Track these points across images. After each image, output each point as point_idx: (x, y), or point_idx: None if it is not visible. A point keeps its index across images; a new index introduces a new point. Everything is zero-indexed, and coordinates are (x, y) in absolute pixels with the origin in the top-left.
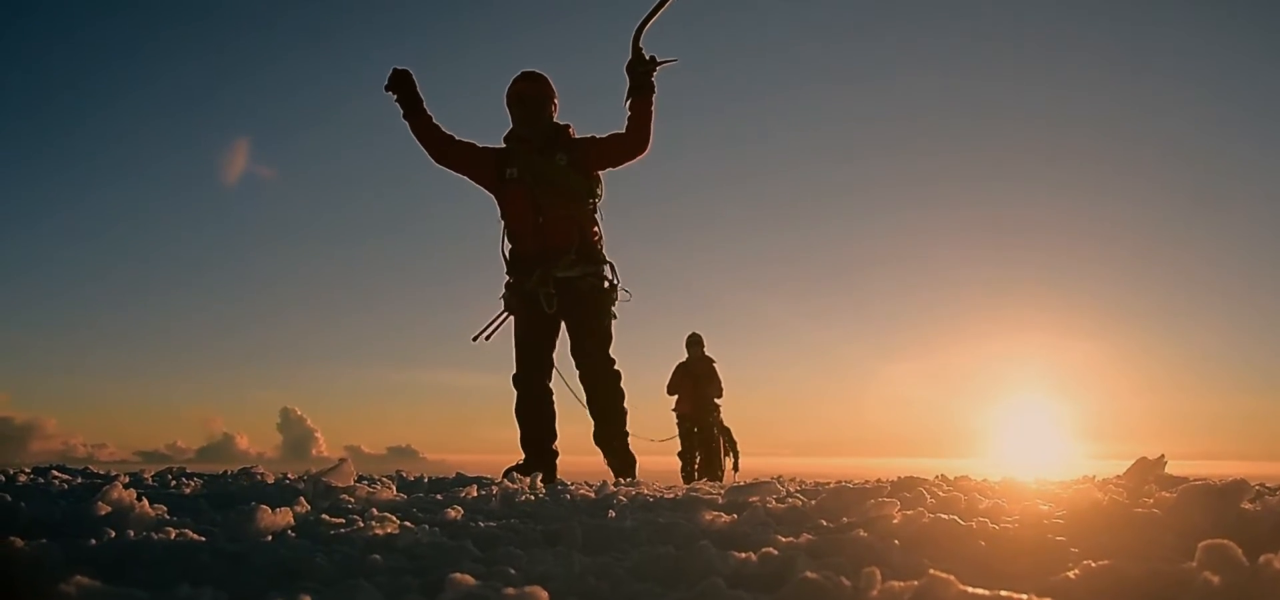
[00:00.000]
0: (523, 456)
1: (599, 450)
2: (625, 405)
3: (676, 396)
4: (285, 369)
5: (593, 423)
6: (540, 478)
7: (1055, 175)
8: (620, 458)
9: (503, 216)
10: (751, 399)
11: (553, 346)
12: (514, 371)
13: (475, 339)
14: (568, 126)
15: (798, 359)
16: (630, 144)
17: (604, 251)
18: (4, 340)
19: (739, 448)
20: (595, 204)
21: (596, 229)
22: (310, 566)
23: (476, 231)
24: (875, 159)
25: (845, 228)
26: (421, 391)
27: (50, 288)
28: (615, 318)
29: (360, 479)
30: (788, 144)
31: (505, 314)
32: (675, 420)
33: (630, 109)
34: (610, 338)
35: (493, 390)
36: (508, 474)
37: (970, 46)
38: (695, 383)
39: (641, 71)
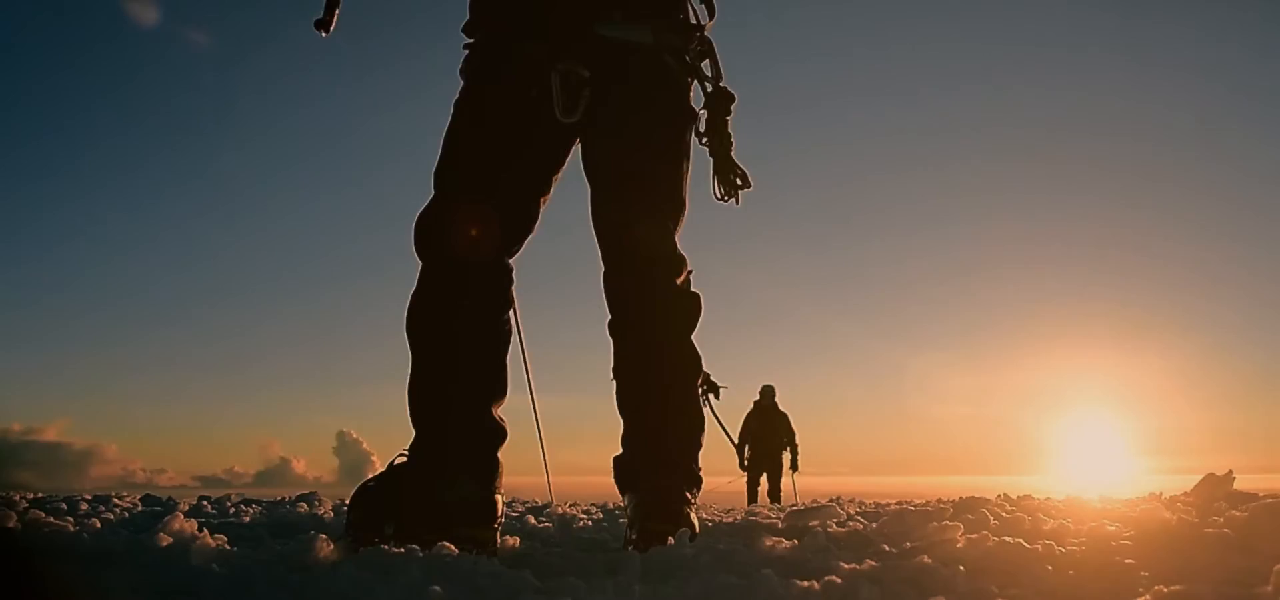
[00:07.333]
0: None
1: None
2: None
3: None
4: (341, 392)
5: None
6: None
7: (1120, 189)
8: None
9: None
10: (808, 417)
11: (546, 190)
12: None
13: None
14: None
15: (854, 375)
16: None
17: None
18: (67, 366)
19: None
20: None
21: None
22: (371, 597)
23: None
24: (937, 171)
25: (904, 242)
26: None
27: (112, 317)
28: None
29: None
30: (849, 155)
31: None
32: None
33: None
34: (683, 208)
35: (558, 412)
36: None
37: (1040, 59)
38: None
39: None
